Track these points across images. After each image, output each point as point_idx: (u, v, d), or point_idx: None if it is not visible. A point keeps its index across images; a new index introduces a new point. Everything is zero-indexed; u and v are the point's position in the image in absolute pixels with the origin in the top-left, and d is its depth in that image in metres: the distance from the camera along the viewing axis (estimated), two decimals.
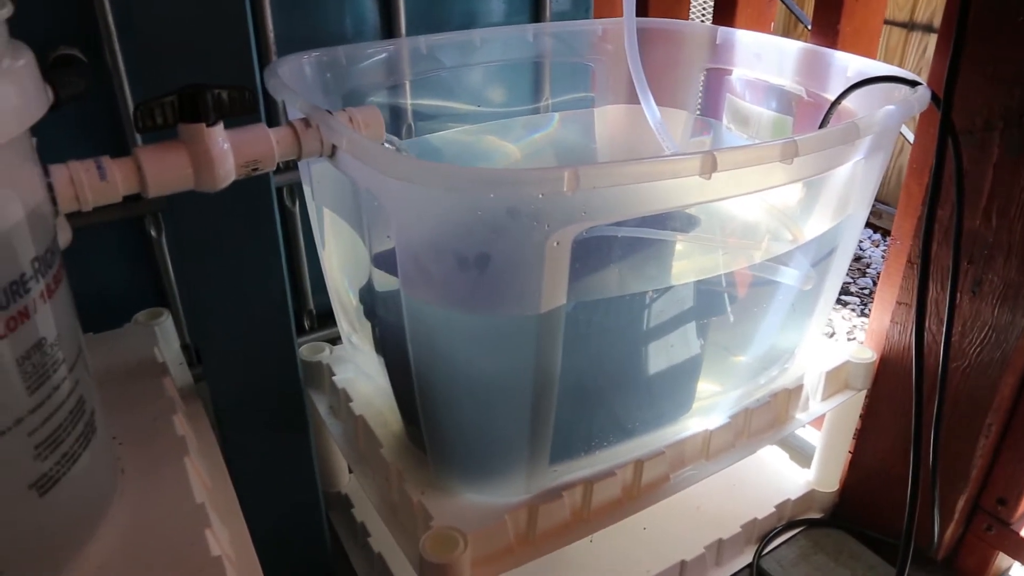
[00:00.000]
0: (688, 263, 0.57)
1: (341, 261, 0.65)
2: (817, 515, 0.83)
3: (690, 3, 0.95)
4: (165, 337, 0.65)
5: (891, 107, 0.52)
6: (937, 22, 1.92)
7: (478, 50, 0.75)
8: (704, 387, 0.63)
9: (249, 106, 0.46)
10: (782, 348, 0.67)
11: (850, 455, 0.80)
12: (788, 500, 0.80)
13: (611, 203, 0.44)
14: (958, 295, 0.64)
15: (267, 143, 0.47)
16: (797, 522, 0.81)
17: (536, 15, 0.81)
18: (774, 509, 0.79)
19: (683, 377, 0.61)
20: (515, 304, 0.46)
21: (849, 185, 0.58)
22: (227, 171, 0.46)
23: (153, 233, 0.68)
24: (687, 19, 0.93)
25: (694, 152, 0.42)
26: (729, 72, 0.77)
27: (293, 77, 0.62)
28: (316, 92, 0.65)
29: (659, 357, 0.58)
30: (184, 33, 0.51)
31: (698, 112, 0.81)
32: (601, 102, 0.84)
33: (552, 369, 0.50)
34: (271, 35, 0.67)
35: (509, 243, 0.44)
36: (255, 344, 0.65)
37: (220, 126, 0.45)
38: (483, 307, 0.47)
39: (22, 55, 0.36)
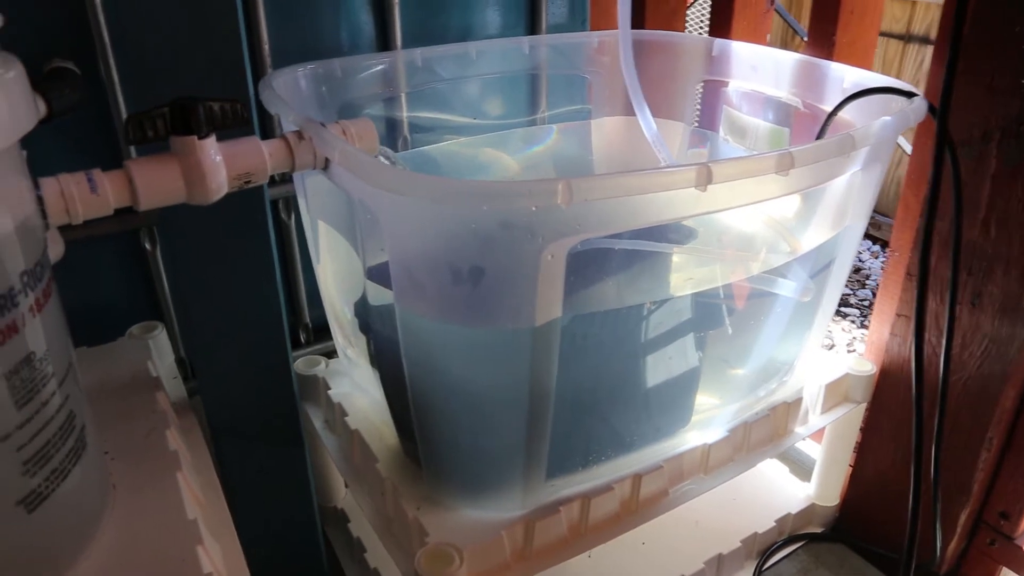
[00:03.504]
0: (685, 275, 0.57)
1: (336, 274, 0.64)
2: (818, 529, 0.82)
3: (686, 15, 0.95)
4: (159, 351, 0.64)
5: (887, 118, 0.51)
6: (934, 34, 1.92)
7: (474, 62, 0.75)
8: (702, 400, 0.62)
9: (241, 119, 0.46)
10: (781, 360, 0.67)
11: (851, 469, 0.80)
12: (788, 514, 0.80)
13: (606, 215, 0.43)
14: (957, 307, 0.64)
15: (259, 156, 0.47)
16: (797, 536, 0.81)
17: (532, 27, 0.81)
18: (774, 523, 0.79)
19: (681, 390, 0.60)
20: (510, 317, 0.46)
21: (846, 196, 0.57)
22: (219, 184, 0.45)
23: (147, 246, 0.68)
24: (683, 31, 0.93)
25: (689, 164, 0.42)
26: (725, 84, 0.77)
27: (288, 90, 0.62)
28: (311, 105, 0.65)
29: (657, 370, 0.57)
30: (178, 45, 0.51)
31: (695, 124, 0.81)
32: (598, 114, 0.84)
33: (548, 383, 0.49)
34: (266, 47, 0.67)
35: (503, 256, 0.43)
36: (250, 358, 0.64)
37: (212, 139, 0.45)
38: (477, 320, 0.46)
39: (12, 67, 0.36)
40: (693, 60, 0.79)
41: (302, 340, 0.80)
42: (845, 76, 0.65)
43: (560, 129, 0.84)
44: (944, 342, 0.61)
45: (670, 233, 0.60)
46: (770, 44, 0.78)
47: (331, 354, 0.75)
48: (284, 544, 0.71)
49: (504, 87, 0.80)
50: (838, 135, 0.48)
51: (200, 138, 0.44)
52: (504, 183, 0.39)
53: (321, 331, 0.81)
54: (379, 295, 0.53)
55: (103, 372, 0.60)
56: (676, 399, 0.61)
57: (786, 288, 0.59)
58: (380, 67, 0.71)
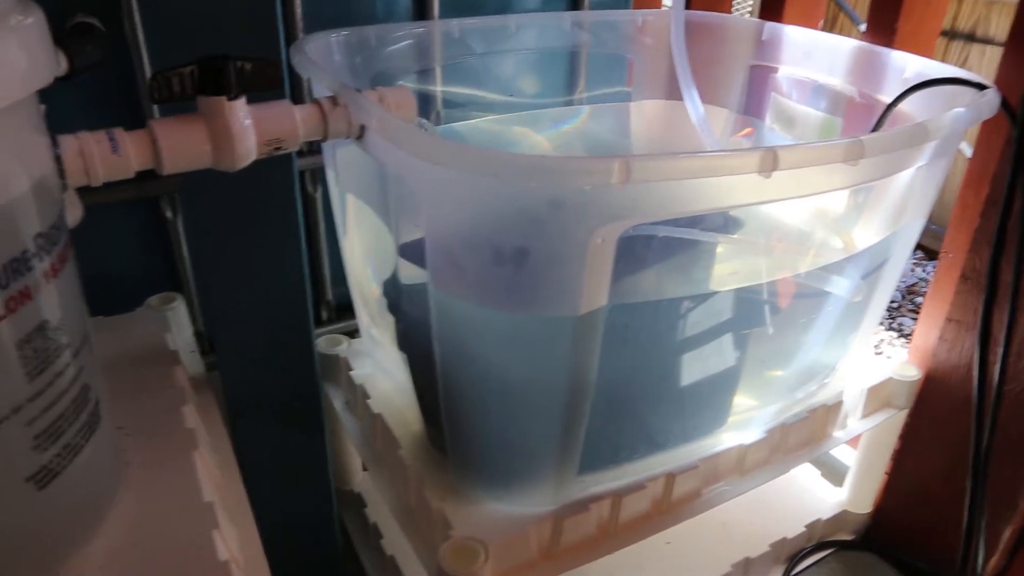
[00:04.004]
0: (730, 268, 0.54)
1: (364, 251, 0.62)
2: (849, 537, 0.80)
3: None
4: (177, 323, 0.62)
5: (960, 110, 0.48)
6: (980, 31, 1.87)
7: (512, 36, 0.72)
8: (740, 400, 0.59)
9: (274, 80, 0.43)
10: (824, 363, 0.64)
11: (887, 476, 0.76)
12: (819, 520, 0.77)
13: (661, 199, 0.40)
14: (1017, 314, 0.60)
15: (291, 120, 0.44)
16: (828, 543, 0.78)
17: (574, 3, 0.78)
18: (804, 529, 0.76)
19: (719, 389, 0.58)
20: (553, 304, 0.43)
21: (908, 192, 0.54)
22: (248, 149, 0.43)
23: (169, 214, 0.66)
24: (730, 13, 0.89)
25: (753, 148, 0.39)
26: (775, 70, 0.73)
27: (320, 56, 0.59)
28: (344, 73, 0.62)
29: (696, 367, 0.54)
30: (207, 2, 0.48)
31: (740, 110, 0.77)
32: (638, 96, 0.81)
33: (587, 375, 0.47)
34: (299, 11, 0.64)
35: (550, 238, 0.40)
36: (271, 334, 0.62)
37: (242, 100, 0.42)
38: (518, 306, 0.44)
39: (31, 13, 0.33)
40: (741, 43, 0.75)
41: (324, 318, 0.78)
42: (907, 65, 0.62)
43: (597, 110, 0.81)
44: (1001, 350, 0.57)
45: (716, 222, 0.56)
46: (821, 30, 0.75)
47: (353, 333, 0.72)
48: (298, 527, 0.70)
49: (542, 65, 0.77)
50: (910, 125, 0.45)
51: (230, 99, 0.41)
52: (556, 158, 0.36)
53: (344, 309, 0.78)
54: (411, 274, 0.51)
55: (119, 343, 0.58)
56: (714, 398, 0.58)
57: (836, 287, 0.55)
58: (415, 37, 0.68)
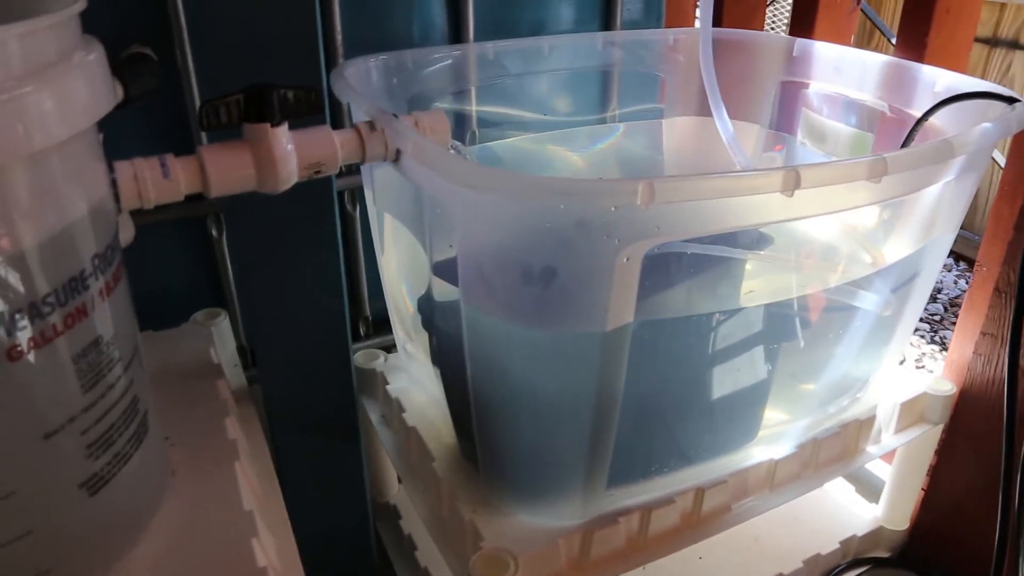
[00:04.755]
0: (759, 284, 0.55)
1: (400, 269, 0.64)
2: (885, 554, 0.79)
3: (765, 14, 0.92)
4: (221, 338, 0.65)
5: (988, 124, 0.48)
6: None
7: (546, 58, 0.74)
8: (771, 415, 0.60)
9: (315, 106, 0.45)
10: (855, 376, 0.64)
11: (923, 492, 0.76)
12: (854, 536, 0.76)
13: (686, 218, 0.41)
14: None
15: (331, 145, 0.46)
16: (863, 560, 0.77)
17: (606, 23, 0.79)
18: (839, 545, 0.75)
19: (749, 404, 0.58)
20: (580, 321, 0.44)
21: (937, 206, 0.54)
22: (290, 172, 0.45)
23: (214, 233, 0.68)
24: (762, 30, 0.90)
25: (775, 168, 0.40)
26: (806, 85, 0.74)
27: (359, 80, 0.61)
28: (382, 96, 0.64)
29: (725, 382, 0.55)
30: (253, 33, 0.51)
31: (772, 126, 0.78)
32: (670, 114, 0.82)
33: (615, 389, 0.47)
34: (339, 37, 0.66)
35: (577, 257, 0.42)
36: (311, 348, 0.64)
37: (285, 127, 0.44)
38: (547, 322, 0.45)
39: (93, 49, 0.36)
40: (772, 60, 0.76)
41: (362, 333, 0.80)
42: (937, 80, 0.62)
43: (628, 127, 0.82)
44: None
45: (745, 239, 0.57)
46: (852, 45, 0.75)
47: (390, 348, 0.74)
48: (335, 538, 0.71)
49: (575, 84, 0.78)
50: (935, 141, 0.45)
51: (273, 126, 0.44)
52: (583, 181, 0.38)
53: (380, 324, 0.80)
54: (444, 291, 0.52)
55: (166, 357, 0.60)
56: (744, 412, 0.59)
57: (866, 302, 0.56)
58: (451, 60, 0.70)
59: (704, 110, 0.76)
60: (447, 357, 0.57)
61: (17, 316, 0.33)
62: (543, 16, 0.76)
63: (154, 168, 0.42)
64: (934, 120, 0.60)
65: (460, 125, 0.73)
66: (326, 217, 0.60)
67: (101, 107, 0.36)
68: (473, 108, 0.73)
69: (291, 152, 0.45)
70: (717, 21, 0.85)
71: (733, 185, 0.40)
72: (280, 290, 0.61)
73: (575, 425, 0.49)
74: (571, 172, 0.79)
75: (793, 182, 0.40)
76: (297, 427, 0.66)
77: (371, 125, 0.47)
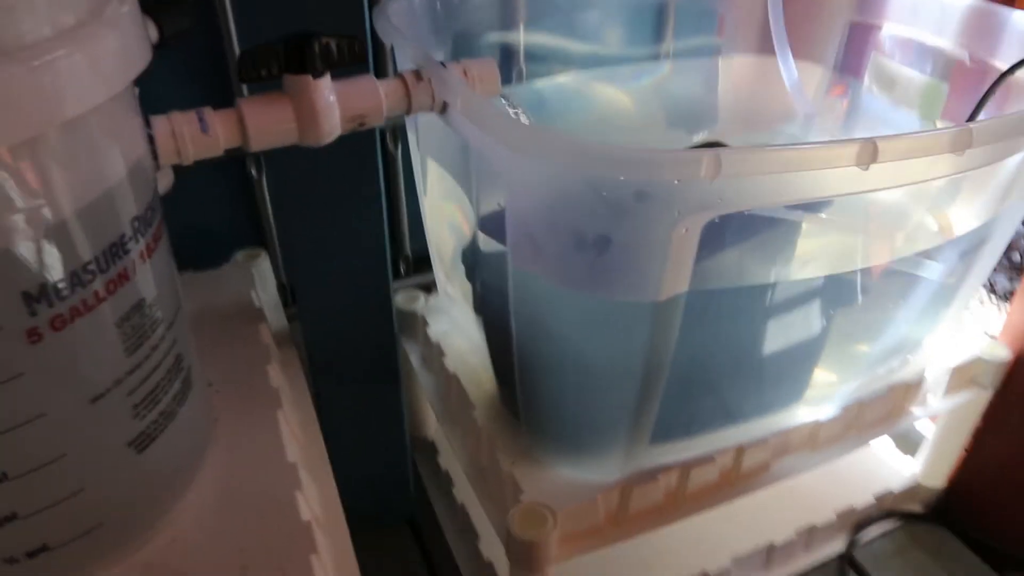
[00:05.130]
0: (816, 246, 0.52)
1: (443, 214, 0.62)
2: (919, 510, 0.78)
3: None
4: (262, 279, 0.64)
5: None
6: None
7: None
8: (819, 376, 0.58)
9: (359, 56, 0.43)
10: (911, 340, 0.62)
11: (965, 453, 0.74)
12: (890, 492, 0.76)
13: (751, 190, 0.39)
14: None
15: (375, 97, 0.44)
16: (897, 514, 0.77)
17: None
18: (874, 499, 0.75)
19: (799, 366, 0.57)
20: (633, 289, 0.42)
21: (1016, 174, 0.51)
22: (332, 126, 0.43)
23: (254, 173, 0.67)
24: None
25: (852, 140, 0.37)
26: (878, 27, 0.69)
27: (403, 17, 0.58)
28: (426, 33, 0.61)
29: (776, 345, 0.53)
30: None
31: (837, 68, 0.73)
32: (728, 51, 0.77)
33: (664, 356, 0.46)
34: None
35: (634, 227, 0.40)
36: (352, 288, 0.64)
37: (327, 78, 0.42)
38: (598, 289, 0.43)
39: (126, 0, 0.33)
40: None
41: (402, 271, 0.79)
42: None
43: (682, 65, 0.78)
44: None
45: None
46: None
47: (430, 287, 0.73)
48: (374, 476, 0.72)
49: (628, 16, 0.74)
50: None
51: (315, 77, 0.41)
52: (645, 151, 0.35)
53: (421, 262, 0.79)
54: (490, 246, 0.51)
55: (207, 298, 0.60)
56: (793, 374, 0.57)
57: (931, 271, 0.53)
58: None
59: (765, 48, 0.72)
60: (491, 308, 0.56)
61: (60, 285, 0.32)
62: None
63: (192, 123, 0.40)
64: (1020, 75, 0.56)
65: (507, 60, 0.70)
66: (367, 155, 0.58)
67: (138, 64, 0.34)
68: (521, 42, 0.69)
69: (333, 104, 0.43)
70: None
71: (805, 157, 0.37)
72: (320, 229, 0.60)
73: (622, 388, 0.48)
74: (619, 113, 0.76)
75: (870, 155, 0.37)
76: (338, 368, 0.66)
77: (417, 75, 0.45)
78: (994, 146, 0.43)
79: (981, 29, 0.61)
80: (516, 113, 0.54)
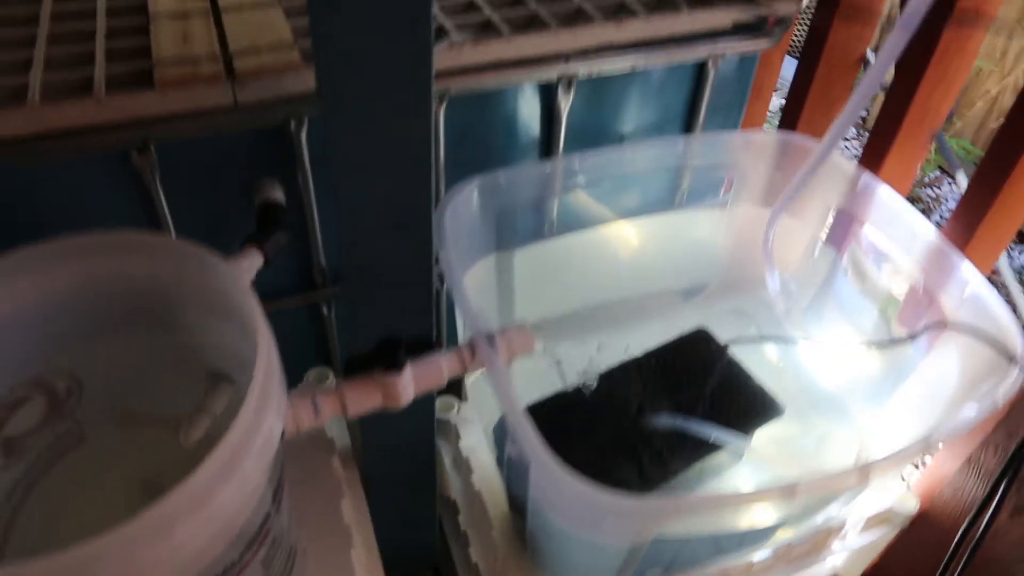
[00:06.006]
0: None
1: None
2: None
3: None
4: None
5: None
6: None
7: (628, 163, 0.80)
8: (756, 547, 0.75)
9: (431, 348, 0.57)
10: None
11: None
12: None
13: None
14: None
15: (440, 375, 0.59)
16: None
17: (688, 126, 0.84)
18: None
19: (748, 544, 0.73)
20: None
21: None
22: (408, 399, 0.58)
23: (325, 311, 0.81)
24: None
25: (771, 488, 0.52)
26: (861, 222, 0.79)
27: (456, 219, 0.68)
28: (475, 218, 0.73)
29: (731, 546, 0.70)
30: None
31: (822, 240, 0.84)
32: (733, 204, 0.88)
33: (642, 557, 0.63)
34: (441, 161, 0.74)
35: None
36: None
37: (408, 369, 0.56)
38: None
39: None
40: (837, 182, 0.80)
41: None
42: (970, 282, 0.68)
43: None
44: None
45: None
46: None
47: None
48: (406, 538, 0.89)
49: (648, 179, 0.84)
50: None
51: (399, 371, 0.56)
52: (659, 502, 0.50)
53: None
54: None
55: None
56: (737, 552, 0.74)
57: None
58: (539, 174, 0.77)
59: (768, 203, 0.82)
60: (513, 473, 0.72)
61: None
62: (629, 126, 0.81)
63: (307, 409, 0.55)
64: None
65: (539, 219, 0.81)
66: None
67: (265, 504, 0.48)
68: (555, 209, 0.81)
69: (410, 383, 0.57)
70: (792, 124, 0.88)
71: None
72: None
73: (610, 560, 0.66)
74: (635, 263, 0.88)
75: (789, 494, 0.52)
76: (385, 468, 0.81)
77: (472, 350, 0.59)
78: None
79: (936, 264, 0.71)
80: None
